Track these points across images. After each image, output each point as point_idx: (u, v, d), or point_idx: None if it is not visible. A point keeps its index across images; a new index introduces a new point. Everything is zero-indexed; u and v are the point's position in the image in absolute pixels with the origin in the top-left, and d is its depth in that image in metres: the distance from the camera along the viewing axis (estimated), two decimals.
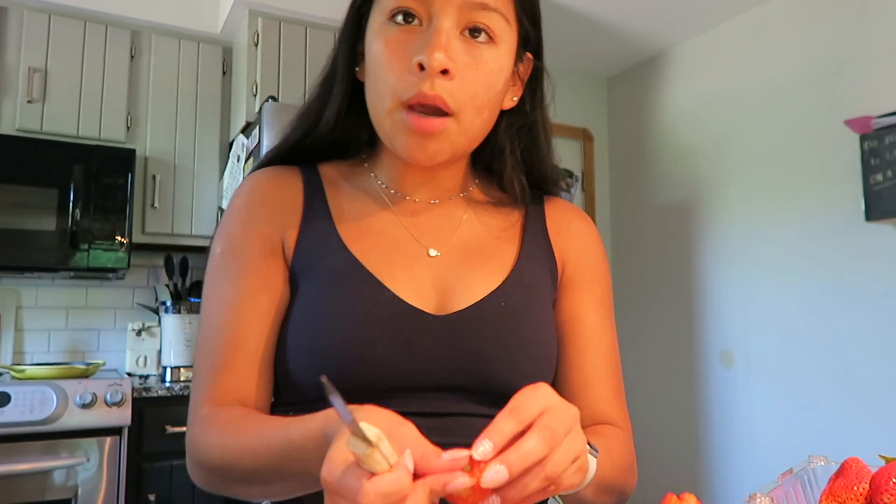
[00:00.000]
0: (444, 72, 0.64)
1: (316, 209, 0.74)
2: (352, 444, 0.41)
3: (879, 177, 2.14)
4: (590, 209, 3.32)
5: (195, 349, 0.72)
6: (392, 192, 0.77)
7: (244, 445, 0.61)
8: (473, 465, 0.45)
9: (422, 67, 0.64)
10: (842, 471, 0.57)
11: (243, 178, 2.33)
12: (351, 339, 0.66)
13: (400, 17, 0.66)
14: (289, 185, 0.76)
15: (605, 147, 3.42)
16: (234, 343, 0.69)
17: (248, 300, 0.70)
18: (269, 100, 2.27)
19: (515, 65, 0.73)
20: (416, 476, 0.44)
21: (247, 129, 2.42)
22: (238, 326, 0.69)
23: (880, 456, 0.59)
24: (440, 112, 0.66)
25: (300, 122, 0.79)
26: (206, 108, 2.61)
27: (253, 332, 0.70)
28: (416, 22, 0.67)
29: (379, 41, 0.68)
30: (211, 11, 2.65)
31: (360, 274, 0.70)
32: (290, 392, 0.72)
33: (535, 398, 0.48)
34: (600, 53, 3.16)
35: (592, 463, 0.57)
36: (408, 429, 0.47)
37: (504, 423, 0.46)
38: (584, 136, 3.35)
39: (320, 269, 0.71)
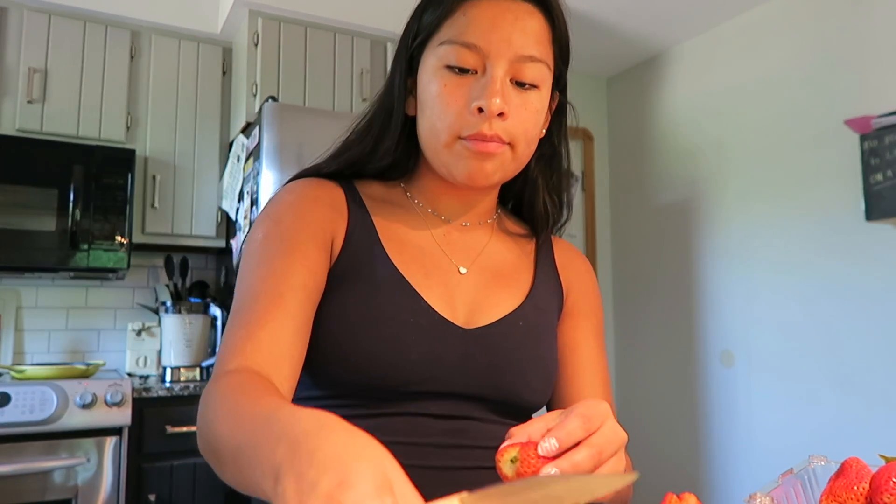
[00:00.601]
0: (500, 114, 0.72)
1: (360, 219, 0.80)
2: None
3: (879, 177, 2.14)
4: (590, 209, 3.32)
5: (228, 321, 0.70)
6: (428, 211, 0.84)
7: (231, 410, 0.55)
8: (526, 455, 0.48)
9: (480, 110, 0.72)
10: (842, 471, 0.57)
11: (243, 178, 2.34)
12: (390, 342, 0.71)
13: (457, 69, 0.74)
14: (334, 194, 0.81)
15: (605, 147, 3.42)
16: (274, 303, 0.67)
17: (293, 272, 0.70)
18: (269, 100, 2.27)
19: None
20: None
21: (247, 130, 2.42)
22: (280, 292, 0.68)
23: (880, 456, 0.59)
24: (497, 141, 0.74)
25: (352, 151, 0.83)
26: (206, 108, 2.61)
27: (295, 299, 0.69)
28: (470, 70, 0.74)
29: (436, 83, 0.75)
30: (211, 11, 2.65)
31: (402, 284, 0.75)
32: (308, 387, 0.75)
33: (599, 411, 0.52)
34: (600, 53, 3.16)
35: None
36: (400, 475, 0.40)
37: (574, 426, 0.50)
38: (584, 136, 3.35)
39: (364, 274, 0.76)
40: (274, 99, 2.32)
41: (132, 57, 2.51)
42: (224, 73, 2.66)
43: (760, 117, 2.64)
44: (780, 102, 2.56)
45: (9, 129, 2.28)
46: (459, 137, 0.74)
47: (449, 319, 0.75)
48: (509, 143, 0.74)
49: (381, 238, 0.79)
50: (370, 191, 0.84)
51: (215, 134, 2.62)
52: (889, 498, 0.52)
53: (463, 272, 0.81)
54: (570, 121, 0.88)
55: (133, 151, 2.38)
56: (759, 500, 0.51)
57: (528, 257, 0.88)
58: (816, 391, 2.38)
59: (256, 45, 2.44)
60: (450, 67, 0.74)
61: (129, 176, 2.36)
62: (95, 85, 2.42)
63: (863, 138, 2.20)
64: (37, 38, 2.35)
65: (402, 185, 0.86)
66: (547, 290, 0.86)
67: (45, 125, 2.33)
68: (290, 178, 0.85)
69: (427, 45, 0.77)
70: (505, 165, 0.76)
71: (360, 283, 0.75)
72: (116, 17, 2.48)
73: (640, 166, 3.22)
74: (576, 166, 3.31)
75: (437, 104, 0.74)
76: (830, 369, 2.34)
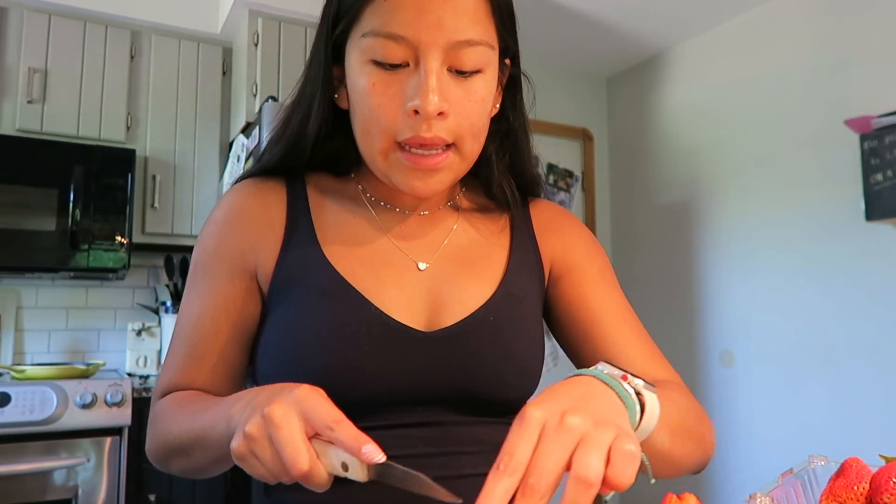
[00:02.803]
0: (440, 113, 0.64)
1: (299, 226, 0.73)
2: (336, 455, 0.49)
3: (879, 177, 2.14)
4: (590, 209, 3.32)
5: (170, 342, 0.77)
6: (381, 203, 0.76)
7: (186, 413, 0.65)
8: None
9: (417, 112, 0.63)
10: (842, 470, 0.57)
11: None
12: (339, 358, 0.66)
13: (387, 65, 0.65)
14: (271, 200, 0.75)
15: (605, 147, 3.42)
16: (190, 354, 0.72)
17: (206, 316, 0.72)
18: (269, 100, 2.27)
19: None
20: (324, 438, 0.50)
21: (247, 130, 2.42)
22: (196, 340, 0.72)
23: (880, 456, 0.59)
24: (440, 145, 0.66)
25: (277, 146, 0.77)
26: (206, 108, 2.61)
27: (209, 347, 0.72)
28: (402, 64, 0.65)
29: (364, 81, 0.66)
30: (211, 11, 2.65)
31: (347, 291, 0.69)
32: None
33: (523, 442, 0.44)
34: (600, 53, 3.16)
35: (653, 401, 0.52)
36: (321, 400, 0.52)
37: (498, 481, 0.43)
38: (584, 136, 3.35)
39: (304, 287, 0.70)
40: (274, 99, 2.32)
41: (132, 57, 2.51)
42: (224, 73, 2.66)
43: (760, 117, 2.64)
44: (780, 102, 2.56)
45: (9, 129, 2.28)
46: (396, 142, 0.66)
47: (406, 324, 0.68)
48: (454, 143, 0.67)
49: (320, 242, 0.72)
50: (320, 184, 0.77)
51: (215, 134, 2.62)
52: (889, 498, 0.52)
53: (423, 268, 0.73)
54: (527, 99, 0.79)
55: (133, 151, 2.38)
56: (759, 500, 0.51)
57: (501, 234, 0.79)
58: (816, 391, 2.38)
59: (256, 45, 2.44)
60: (377, 63, 0.65)
61: (129, 176, 2.36)
62: (95, 85, 2.42)
63: (863, 138, 2.20)
64: (37, 38, 2.35)
65: (354, 175, 0.78)
66: (524, 271, 0.77)
67: (45, 125, 2.33)
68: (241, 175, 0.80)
69: (350, 33, 0.67)
70: (453, 170, 0.69)
71: (299, 296, 0.69)
72: (116, 17, 2.48)
73: (640, 166, 3.22)
74: (576, 166, 3.31)
75: (367, 104, 0.65)
76: (830, 369, 2.34)
